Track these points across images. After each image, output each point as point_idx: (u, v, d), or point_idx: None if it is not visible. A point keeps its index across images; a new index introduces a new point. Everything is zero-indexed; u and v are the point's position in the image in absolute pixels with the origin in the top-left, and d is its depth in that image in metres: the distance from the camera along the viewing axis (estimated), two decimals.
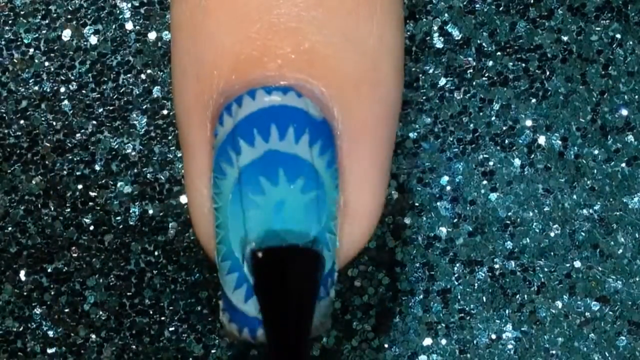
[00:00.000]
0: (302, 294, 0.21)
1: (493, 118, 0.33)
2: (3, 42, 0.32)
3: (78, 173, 0.32)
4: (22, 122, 0.32)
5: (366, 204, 0.23)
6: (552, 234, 0.33)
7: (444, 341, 0.33)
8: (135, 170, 0.32)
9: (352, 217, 0.22)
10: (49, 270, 0.32)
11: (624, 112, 0.33)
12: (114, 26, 0.32)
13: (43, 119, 0.32)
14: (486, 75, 0.32)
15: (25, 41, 0.32)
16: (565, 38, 0.32)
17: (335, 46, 0.21)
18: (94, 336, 0.32)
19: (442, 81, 0.32)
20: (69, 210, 0.32)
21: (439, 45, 0.32)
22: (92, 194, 0.32)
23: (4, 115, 0.32)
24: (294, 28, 0.21)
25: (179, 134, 0.23)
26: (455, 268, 0.33)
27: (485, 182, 0.33)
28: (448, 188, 0.33)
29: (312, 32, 0.21)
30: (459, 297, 0.33)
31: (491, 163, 0.33)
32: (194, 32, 0.22)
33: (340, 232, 0.22)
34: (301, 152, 0.22)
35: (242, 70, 0.21)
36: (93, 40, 0.32)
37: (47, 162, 0.32)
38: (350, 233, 0.23)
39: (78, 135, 0.32)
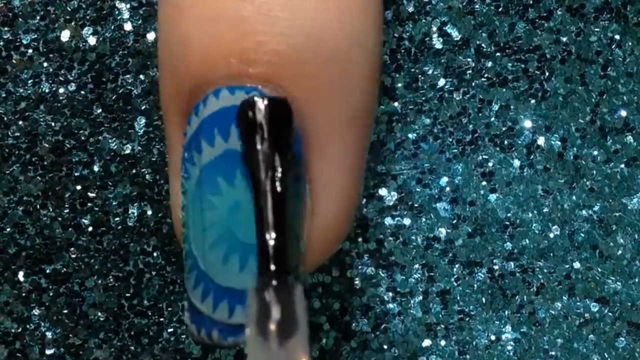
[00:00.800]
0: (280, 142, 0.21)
1: (492, 119, 0.33)
2: (2, 43, 0.32)
3: (77, 174, 0.32)
4: (20, 123, 0.32)
5: (335, 207, 0.23)
6: (551, 235, 0.33)
7: (443, 342, 0.33)
8: (134, 171, 0.32)
9: (319, 220, 0.22)
10: (48, 271, 0.32)
11: (623, 113, 0.33)
12: (112, 27, 0.32)
13: (42, 119, 0.32)
14: (485, 76, 0.32)
15: (24, 42, 0.32)
16: (564, 39, 0.32)
17: (300, 47, 0.21)
18: (92, 337, 0.32)
19: (441, 82, 0.32)
20: (67, 211, 0.32)
21: (438, 46, 0.32)
22: (91, 194, 0.32)
23: (3, 116, 0.32)
24: (260, 29, 0.21)
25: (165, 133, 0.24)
26: (455, 269, 0.33)
27: (484, 183, 0.33)
28: (447, 189, 0.33)
29: (279, 32, 0.21)
30: (458, 298, 0.33)
31: (490, 164, 0.33)
32: (170, 33, 0.22)
33: (308, 234, 0.22)
34: None
35: (209, 70, 0.22)
36: (92, 41, 0.32)
37: (45, 163, 0.32)
38: (319, 236, 0.22)
39: (77, 136, 0.32)
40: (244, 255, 0.22)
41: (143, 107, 0.32)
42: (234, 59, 0.21)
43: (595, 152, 0.33)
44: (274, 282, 0.20)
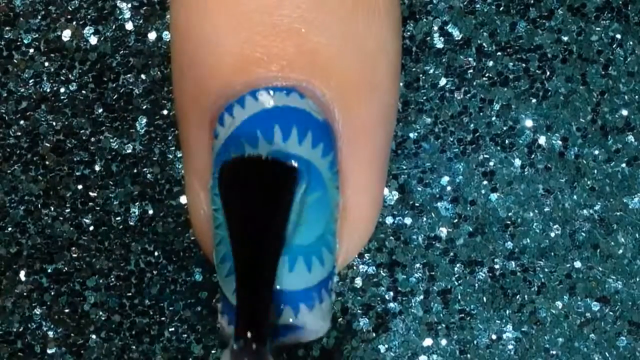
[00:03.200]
0: (269, 207, 0.21)
1: (493, 118, 0.33)
2: (3, 43, 0.32)
3: (78, 173, 0.32)
4: (22, 122, 0.32)
5: (365, 206, 0.23)
6: (552, 234, 0.33)
7: (444, 341, 0.33)
8: (135, 171, 0.32)
9: (351, 220, 0.22)
10: (49, 270, 0.32)
11: (624, 112, 0.33)
12: (113, 26, 0.32)
13: (43, 119, 0.32)
14: (486, 75, 0.32)
15: (25, 41, 0.32)
16: (565, 38, 0.32)
17: (336, 48, 0.21)
18: (94, 336, 0.32)
19: (443, 81, 0.32)
20: (69, 210, 0.32)
21: (439, 45, 0.32)
22: (92, 194, 0.32)
23: (4, 115, 0.32)
24: (297, 30, 0.21)
25: (179, 134, 0.23)
26: (456, 268, 0.33)
27: (485, 182, 0.33)
28: (448, 188, 0.33)
29: (315, 34, 0.21)
30: (459, 297, 0.33)
31: (491, 163, 0.33)
32: (193, 34, 0.22)
33: (340, 234, 0.22)
34: (305, 153, 0.21)
35: (244, 71, 0.21)
36: (93, 40, 0.32)
37: (47, 163, 0.32)
38: (350, 235, 0.23)
39: (78, 135, 0.32)
40: (293, 257, 0.22)
41: (144, 107, 0.32)
42: (271, 59, 0.21)
43: (597, 152, 0.33)
44: (253, 347, 0.20)
